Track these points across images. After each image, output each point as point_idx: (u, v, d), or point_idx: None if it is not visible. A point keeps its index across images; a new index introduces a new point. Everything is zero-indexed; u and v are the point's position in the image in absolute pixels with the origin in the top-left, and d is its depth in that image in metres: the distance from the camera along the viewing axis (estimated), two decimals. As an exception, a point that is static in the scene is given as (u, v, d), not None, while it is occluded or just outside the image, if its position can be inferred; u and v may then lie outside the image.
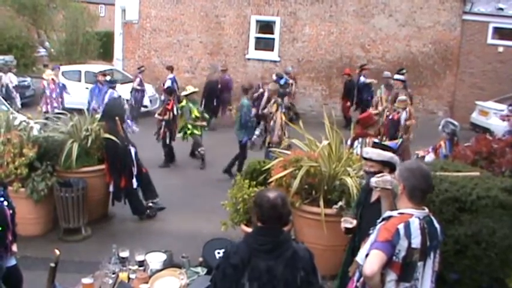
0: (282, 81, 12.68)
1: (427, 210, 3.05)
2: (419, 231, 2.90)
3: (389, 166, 3.93)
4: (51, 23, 26.07)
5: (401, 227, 2.89)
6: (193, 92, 10.38)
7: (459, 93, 16.33)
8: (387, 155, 4.00)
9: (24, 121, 7.51)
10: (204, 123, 10.55)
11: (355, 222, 4.05)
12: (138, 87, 14.77)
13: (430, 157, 6.85)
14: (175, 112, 10.34)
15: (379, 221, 3.08)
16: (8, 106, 11.45)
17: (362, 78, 14.53)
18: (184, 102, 10.24)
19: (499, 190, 4.31)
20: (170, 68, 14.94)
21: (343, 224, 4.10)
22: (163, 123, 10.26)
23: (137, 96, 14.80)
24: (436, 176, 4.54)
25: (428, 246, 2.93)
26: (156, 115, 10.53)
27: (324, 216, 5.32)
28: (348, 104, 14.83)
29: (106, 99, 10.69)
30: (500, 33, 15.99)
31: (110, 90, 11.17)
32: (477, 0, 16.11)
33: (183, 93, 10.50)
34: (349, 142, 6.26)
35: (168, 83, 13.87)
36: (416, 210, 2.99)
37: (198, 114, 10.26)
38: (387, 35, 16.35)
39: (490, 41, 15.95)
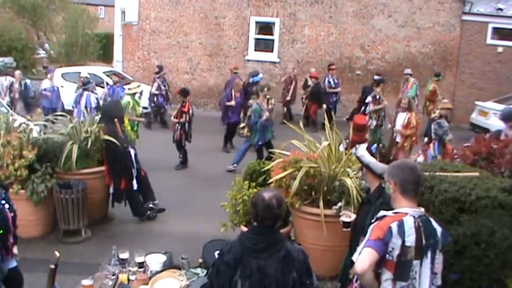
0: (256, 79, 12.20)
1: (423, 209, 3.06)
2: (414, 230, 2.91)
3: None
4: (51, 25, 26.03)
5: (394, 225, 2.91)
6: (136, 93, 9.84)
7: (459, 93, 16.35)
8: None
9: (24, 123, 7.51)
10: (142, 119, 9.99)
11: (353, 216, 4.10)
12: (157, 92, 14.21)
13: (420, 158, 6.86)
14: (191, 114, 10.23)
15: (373, 220, 3.11)
16: (8, 108, 11.46)
17: (327, 84, 14.42)
18: (129, 99, 9.60)
19: (498, 190, 4.30)
20: (159, 68, 14.71)
21: (342, 218, 4.26)
22: (179, 125, 10.11)
23: (156, 101, 14.30)
24: (436, 177, 4.55)
25: (424, 245, 2.93)
26: (172, 118, 10.28)
27: (323, 217, 5.33)
28: (314, 107, 14.30)
29: (83, 102, 10.60)
30: (499, 33, 16.01)
31: (86, 93, 10.79)
32: (476, 0, 16.13)
33: (128, 91, 9.87)
34: (342, 147, 6.13)
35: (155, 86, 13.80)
36: (411, 209, 3.00)
37: (138, 112, 9.69)
38: (387, 35, 16.36)
39: (489, 41, 15.98)
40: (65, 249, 5.94)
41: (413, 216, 2.96)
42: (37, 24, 26.02)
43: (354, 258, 3.06)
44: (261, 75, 12.62)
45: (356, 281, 3.21)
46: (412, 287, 2.94)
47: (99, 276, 4.13)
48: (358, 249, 3.04)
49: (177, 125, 10.15)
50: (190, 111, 10.23)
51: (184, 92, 10.33)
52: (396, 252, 2.90)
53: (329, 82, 14.53)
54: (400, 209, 3.01)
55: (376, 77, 12.69)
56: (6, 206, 4.24)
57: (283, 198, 3.03)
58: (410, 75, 14.01)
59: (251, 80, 12.29)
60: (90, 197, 6.92)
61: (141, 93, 10.61)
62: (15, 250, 4.39)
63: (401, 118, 9.17)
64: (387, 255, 2.91)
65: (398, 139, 9.11)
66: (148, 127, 13.59)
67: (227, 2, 17.01)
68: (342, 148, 6.00)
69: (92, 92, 11.07)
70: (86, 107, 10.46)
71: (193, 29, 17.42)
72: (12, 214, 4.29)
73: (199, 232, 6.68)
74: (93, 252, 6.18)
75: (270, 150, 8.13)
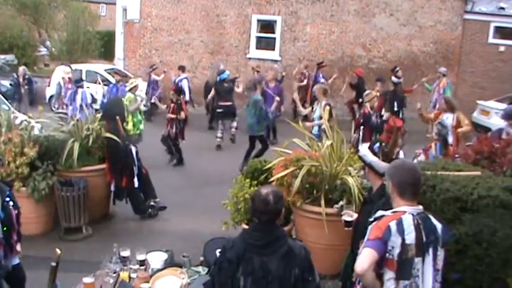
0: (223, 76, 12.00)
1: (421, 207, 3.04)
2: (413, 227, 2.90)
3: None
4: (52, 22, 26.08)
5: (392, 224, 2.90)
6: (136, 86, 10.06)
7: (460, 92, 16.31)
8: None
9: (25, 120, 7.51)
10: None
11: (355, 215, 4.09)
12: (158, 78, 14.92)
13: (421, 158, 6.80)
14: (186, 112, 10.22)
15: (371, 219, 3.10)
16: (9, 105, 11.47)
17: (319, 81, 13.91)
18: (132, 96, 9.81)
19: (500, 190, 4.29)
20: (182, 68, 14.50)
21: (343, 217, 4.27)
22: (175, 123, 10.05)
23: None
24: (437, 176, 4.54)
25: (424, 242, 2.92)
26: (168, 114, 10.21)
27: (325, 216, 5.32)
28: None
29: (78, 100, 10.53)
30: (501, 32, 16.00)
31: (81, 90, 10.70)
32: (478, -1, 16.13)
33: (127, 87, 10.16)
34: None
35: (185, 84, 13.64)
36: (409, 207, 2.98)
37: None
38: (388, 34, 16.34)
39: (491, 40, 15.97)
40: (66, 246, 5.93)
41: (412, 214, 2.95)
42: (38, 21, 26.07)
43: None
44: (227, 72, 12.48)
45: (359, 283, 3.19)
46: (415, 285, 2.93)
47: (100, 274, 4.12)
48: (360, 250, 3.03)
49: (173, 121, 10.05)
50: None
51: (179, 91, 10.49)
52: (397, 250, 2.88)
53: (320, 78, 14.35)
54: (398, 208, 3.01)
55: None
56: (11, 203, 4.26)
57: (282, 195, 3.02)
58: (444, 75, 13.56)
59: (218, 78, 12.12)
60: (91, 194, 6.93)
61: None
62: (18, 247, 4.40)
63: (449, 119, 8.27)
64: (387, 254, 2.90)
65: (450, 140, 8.17)
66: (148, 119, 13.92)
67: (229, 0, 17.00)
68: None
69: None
70: (81, 103, 10.42)
71: (195, 27, 17.41)
72: (16, 211, 4.31)
73: (201, 230, 6.68)
74: (94, 250, 6.17)
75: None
